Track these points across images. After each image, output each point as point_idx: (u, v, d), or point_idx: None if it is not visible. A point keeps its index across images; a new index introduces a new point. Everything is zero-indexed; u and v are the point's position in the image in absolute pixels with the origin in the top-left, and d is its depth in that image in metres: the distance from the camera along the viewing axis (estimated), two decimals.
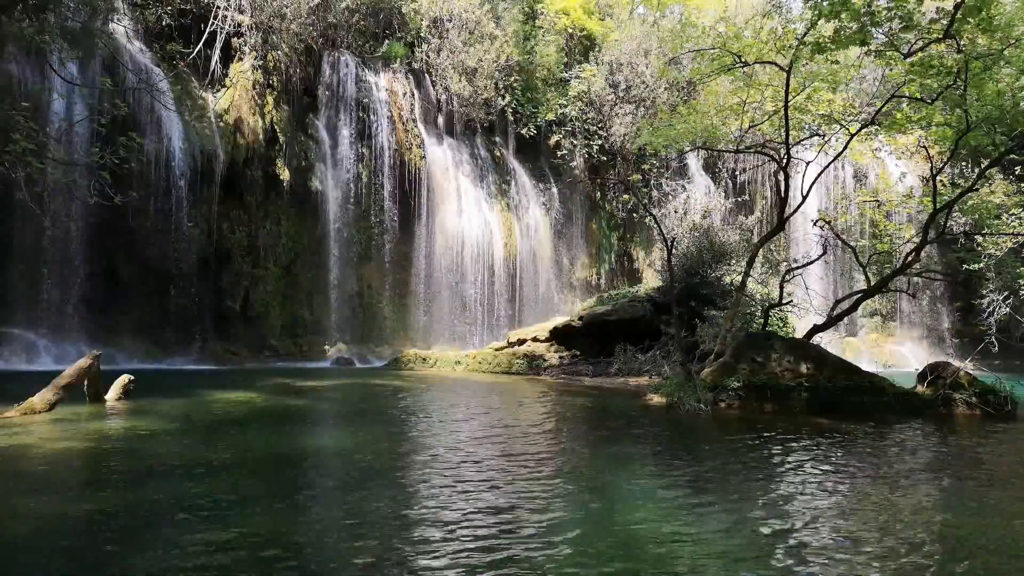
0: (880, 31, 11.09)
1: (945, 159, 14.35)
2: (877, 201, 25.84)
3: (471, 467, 6.05)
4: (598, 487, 5.46)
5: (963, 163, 22.74)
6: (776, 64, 12.38)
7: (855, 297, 14.11)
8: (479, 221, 25.64)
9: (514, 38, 27.73)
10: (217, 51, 21.04)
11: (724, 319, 13.68)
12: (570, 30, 29.07)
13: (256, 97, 21.60)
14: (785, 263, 24.41)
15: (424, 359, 19.49)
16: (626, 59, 28.07)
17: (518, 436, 7.95)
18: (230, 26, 21.11)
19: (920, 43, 11.20)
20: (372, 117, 23.87)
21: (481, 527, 4.23)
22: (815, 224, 15.24)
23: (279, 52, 22.14)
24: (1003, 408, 10.25)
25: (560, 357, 18.28)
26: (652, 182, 28.49)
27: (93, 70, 17.87)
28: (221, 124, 20.58)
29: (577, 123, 28.05)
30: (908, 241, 17.42)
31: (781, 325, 17.49)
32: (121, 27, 19.19)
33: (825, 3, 10.27)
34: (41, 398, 8.37)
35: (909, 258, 13.09)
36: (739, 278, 14.91)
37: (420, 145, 24.93)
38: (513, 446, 7.31)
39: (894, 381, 11.18)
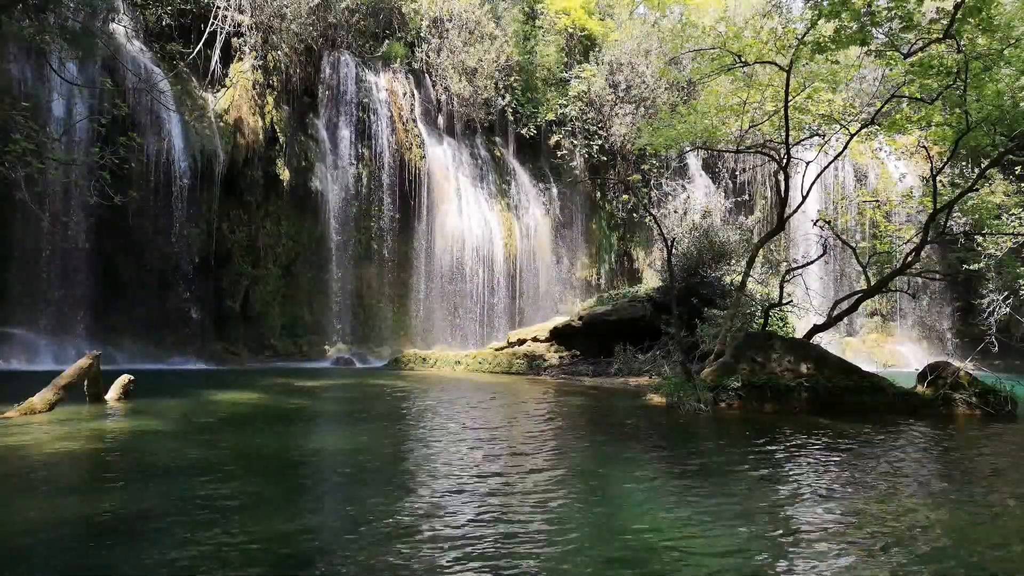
0: (880, 31, 11.10)
1: (945, 159, 14.35)
2: (877, 201, 25.86)
3: (472, 467, 6.04)
4: (598, 487, 5.46)
5: (963, 163, 22.75)
6: (776, 64, 12.39)
7: (855, 297, 14.11)
8: (479, 221, 25.64)
9: (514, 38, 27.74)
10: (217, 51, 21.04)
11: (724, 319, 13.69)
12: (570, 30, 29.08)
13: (256, 97, 21.60)
14: (785, 263, 24.43)
15: (424, 359, 19.50)
16: (626, 59, 28.07)
17: (518, 436, 7.95)
18: (230, 26, 21.11)
19: (920, 43, 11.21)
20: (372, 117, 23.88)
21: (482, 527, 4.23)
22: (815, 224, 15.24)
23: (279, 52, 22.14)
24: (1003, 408, 10.25)
25: (560, 357, 18.29)
26: (652, 182, 28.49)
27: (93, 70, 17.87)
28: (221, 124, 20.59)
29: (577, 123, 28.05)
30: (908, 241, 17.43)
31: (781, 325, 17.49)
32: (121, 27, 19.20)
33: (825, 3, 10.28)
34: (41, 398, 8.37)
35: (909, 258, 13.09)
36: (739, 278, 14.91)
37: (420, 145, 24.93)
38: (513, 446, 7.31)
39: (894, 381, 11.17)
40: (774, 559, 3.83)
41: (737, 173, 30.50)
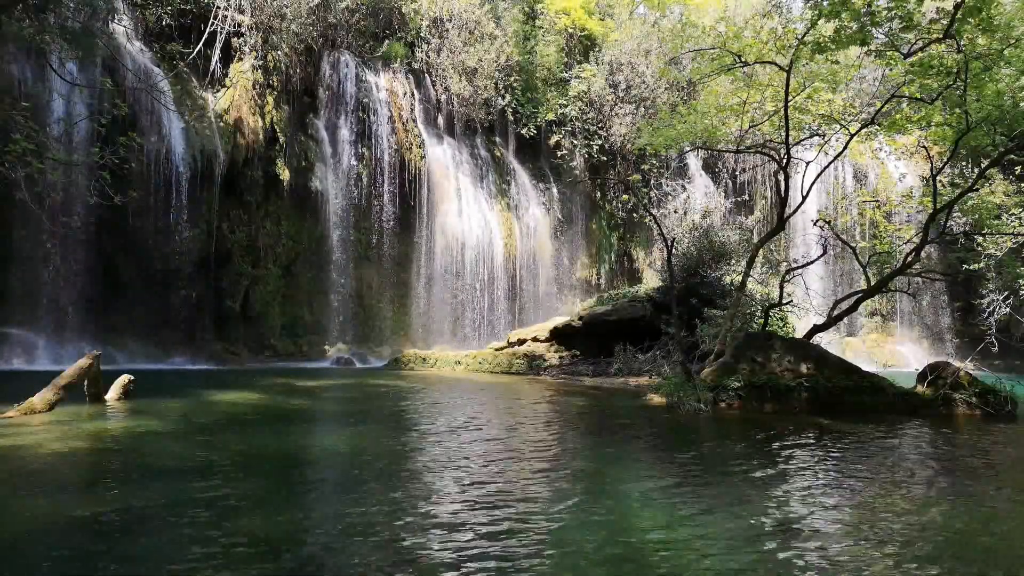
0: (880, 31, 11.10)
1: (945, 159, 14.35)
2: (877, 201, 25.86)
3: (471, 468, 6.04)
4: (599, 487, 5.46)
5: (963, 163, 22.75)
6: (776, 64, 12.39)
7: (855, 297, 14.10)
8: (479, 221, 25.64)
9: (514, 38, 27.74)
10: (217, 51, 21.04)
11: (724, 319, 13.69)
12: (570, 30, 29.09)
13: (256, 97, 21.60)
14: (785, 263, 24.41)
15: (424, 359, 19.50)
16: (626, 59, 28.07)
17: (518, 436, 7.94)
18: (230, 26, 21.11)
19: (920, 43, 11.21)
20: (372, 117, 23.88)
21: (482, 528, 4.23)
22: (815, 224, 15.24)
23: (279, 52, 22.14)
24: (1003, 408, 10.25)
25: (560, 357, 18.29)
26: (652, 182, 28.50)
27: (93, 70, 17.87)
28: (221, 124, 20.59)
29: (577, 123, 28.05)
30: (908, 241, 17.43)
31: (781, 325, 17.49)
32: (121, 27, 19.19)
33: (825, 3, 10.28)
34: (41, 398, 8.37)
35: (909, 258, 13.09)
36: (739, 278, 14.91)
37: (420, 145, 24.93)
38: (513, 446, 7.31)
39: (894, 381, 11.17)
40: (776, 559, 3.82)
41: (737, 173, 30.50)
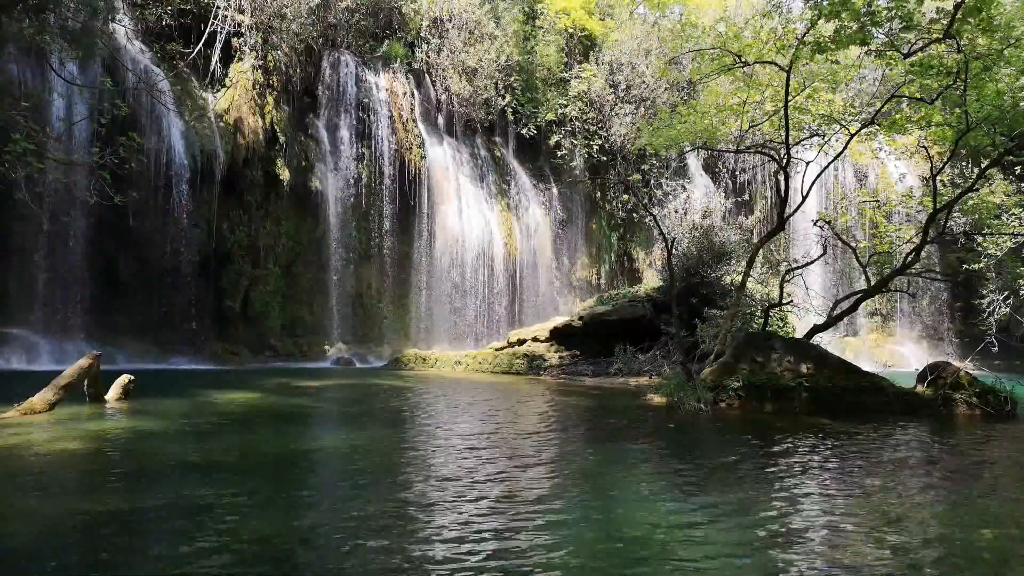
0: (880, 31, 11.10)
1: (945, 159, 14.35)
2: (877, 201, 25.87)
3: (471, 467, 6.04)
4: (599, 487, 5.46)
5: (963, 163, 22.75)
6: (776, 64, 12.39)
7: (855, 297, 14.11)
8: (479, 221, 25.65)
9: (514, 38, 27.74)
10: (217, 51, 21.04)
11: (724, 319, 13.69)
12: (570, 30, 29.08)
13: (256, 97, 21.60)
14: (785, 263, 24.41)
15: (424, 359, 19.50)
16: (626, 59, 28.08)
17: (518, 436, 7.94)
18: (230, 26, 21.11)
19: (920, 43, 11.22)
20: (372, 117, 23.88)
21: (481, 527, 4.23)
22: (815, 224, 15.24)
23: (279, 52, 22.14)
24: (1003, 408, 10.24)
25: (560, 357, 18.29)
26: (652, 182, 28.50)
27: (93, 70, 17.87)
28: (221, 124, 20.58)
29: (577, 123, 28.05)
30: (908, 241, 17.43)
31: (781, 325, 17.50)
32: (121, 27, 19.18)
33: (825, 3, 10.29)
34: (41, 398, 8.37)
35: (909, 258, 13.09)
36: (739, 278, 14.92)
37: (420, 145, 24.93)
38: (513, 446, 7.31)
39: (894, 381, 11.16)
40: (775, 560, 3.83)
41: (737, 173, 30.51)
